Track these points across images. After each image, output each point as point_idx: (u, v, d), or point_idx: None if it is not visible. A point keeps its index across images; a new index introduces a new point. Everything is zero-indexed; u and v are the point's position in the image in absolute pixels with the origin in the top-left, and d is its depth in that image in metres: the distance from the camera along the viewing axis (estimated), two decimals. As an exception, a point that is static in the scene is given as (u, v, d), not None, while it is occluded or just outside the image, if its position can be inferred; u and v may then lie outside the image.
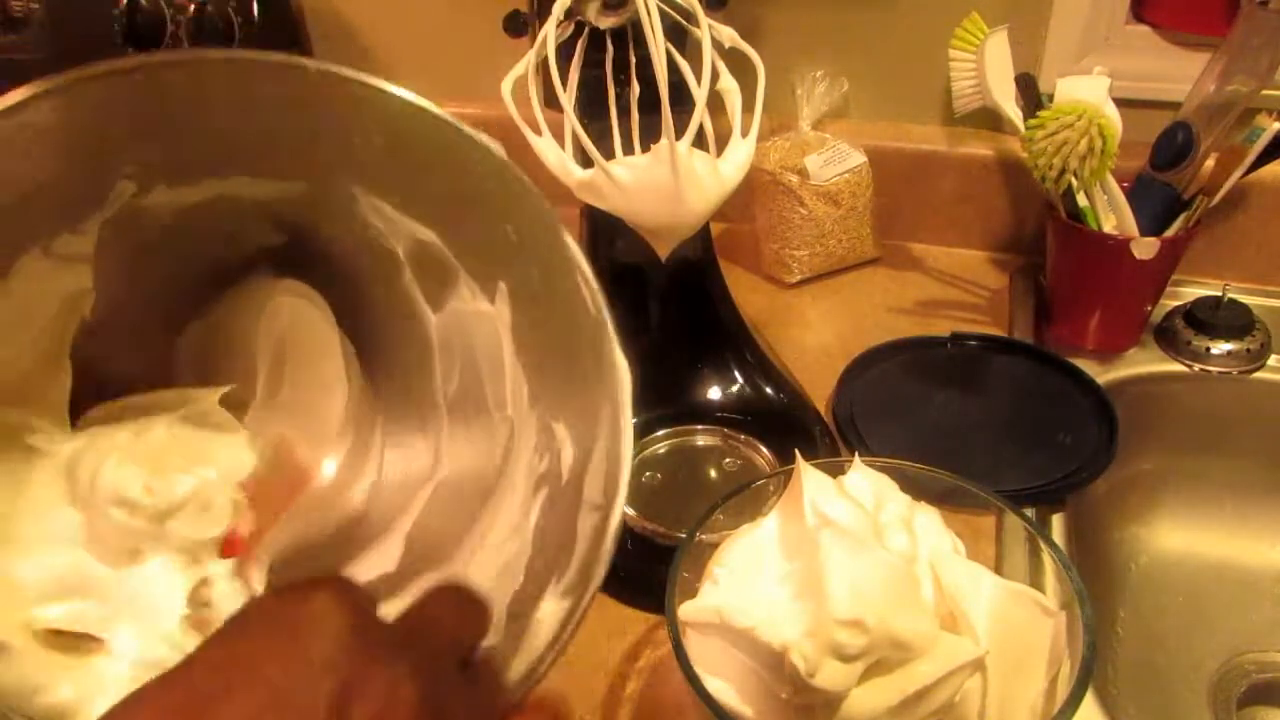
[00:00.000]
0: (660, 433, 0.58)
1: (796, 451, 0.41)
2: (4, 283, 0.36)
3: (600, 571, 0.37)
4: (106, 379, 0.41)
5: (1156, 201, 0.67)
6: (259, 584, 0.41)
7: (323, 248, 0.45)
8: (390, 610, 0.27)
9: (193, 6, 0.85)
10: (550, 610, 0.37)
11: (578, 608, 0.36)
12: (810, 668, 0.33)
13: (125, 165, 0.37)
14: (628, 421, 0.39)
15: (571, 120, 0.48)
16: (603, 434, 0.42)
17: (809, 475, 0.38)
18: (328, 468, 0.46)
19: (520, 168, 0.42)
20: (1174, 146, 0.66)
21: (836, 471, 0.40)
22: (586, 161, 0.49)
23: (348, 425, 0.47)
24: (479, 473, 0.45)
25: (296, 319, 0.46)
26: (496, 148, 0.42)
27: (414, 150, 0.43)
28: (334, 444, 0.46)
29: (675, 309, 0.60)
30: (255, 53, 0.37)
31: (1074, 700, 0.33)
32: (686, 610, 0.36)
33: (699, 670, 0.35)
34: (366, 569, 0.43)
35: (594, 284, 0.42)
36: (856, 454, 0.41)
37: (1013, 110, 0.69)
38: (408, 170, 0.44)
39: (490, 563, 0.42)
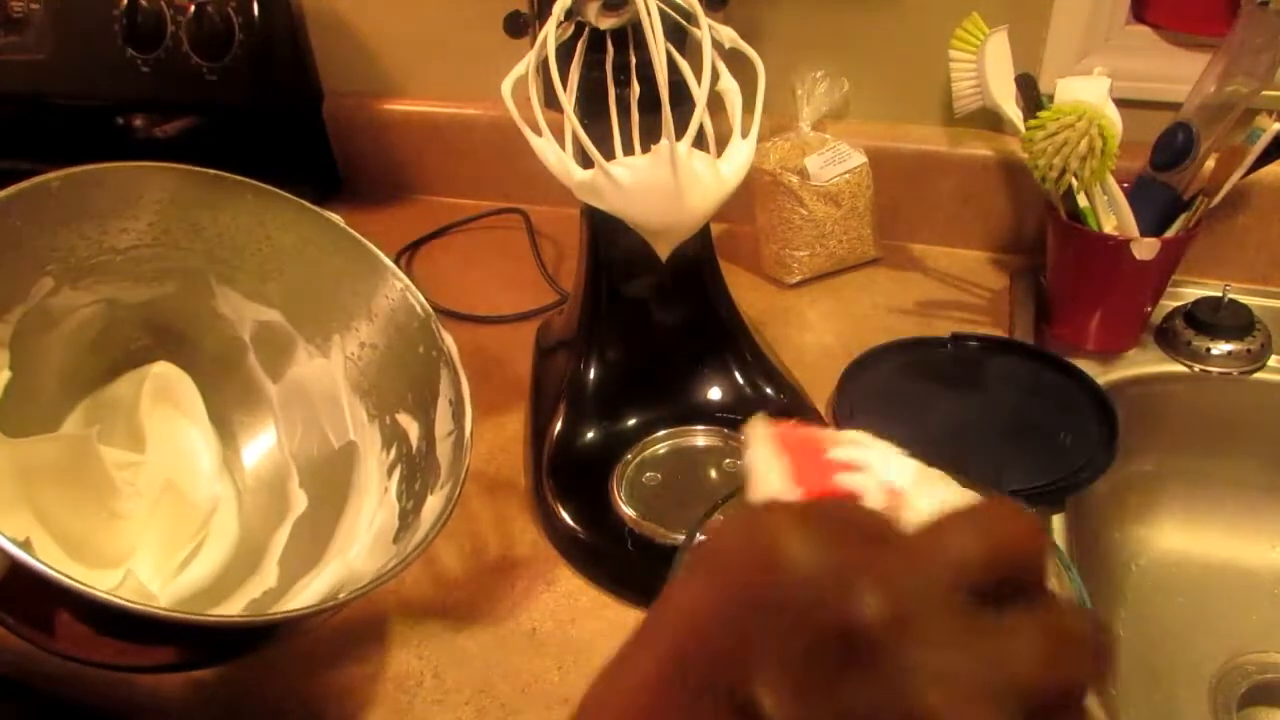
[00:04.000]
0: (660, 433, 0.58)
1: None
2: None
3: (465, 461, 0.46)
4: None
5: (1156, 202, 0.67)
6: None
7: (175, 347, 0.52)
8: None
9: (192, 7, 0.85)
10: (432, 503, 0.46)
11: (454, 492, 0.45)
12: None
13: (49, 264, 0.44)
14: (461, 371, 0.49)
15: (571, 120, 0.48)
16: (443, 390, 0.50)
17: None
18: (209, 506, 0.51)
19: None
20: (1174, 147, 0.66)
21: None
22: (587, 162, 0.49)
23: (220, 473, 0.53)
24: (332, 495, 0.51)
25: (170, 387, 0.52)
26: (340, 220, 0.51)
27: (271, 239, 0.51)
28: (210, 488, 0.52)
29: (675, 309, 0.60)
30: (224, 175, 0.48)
31: (1074, 701, 0.33)
32: None
33: None
34: (250, 590, 0.49)
35: (415, 290, 0.51)
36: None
37: (1013, 110, 0.69)
38: (263, 259, 0.51)
39: (364, 539, 0.48)
